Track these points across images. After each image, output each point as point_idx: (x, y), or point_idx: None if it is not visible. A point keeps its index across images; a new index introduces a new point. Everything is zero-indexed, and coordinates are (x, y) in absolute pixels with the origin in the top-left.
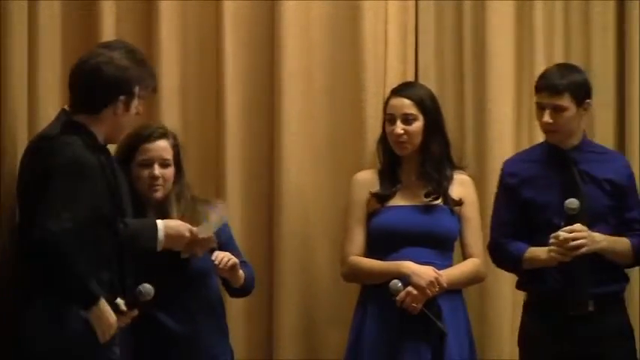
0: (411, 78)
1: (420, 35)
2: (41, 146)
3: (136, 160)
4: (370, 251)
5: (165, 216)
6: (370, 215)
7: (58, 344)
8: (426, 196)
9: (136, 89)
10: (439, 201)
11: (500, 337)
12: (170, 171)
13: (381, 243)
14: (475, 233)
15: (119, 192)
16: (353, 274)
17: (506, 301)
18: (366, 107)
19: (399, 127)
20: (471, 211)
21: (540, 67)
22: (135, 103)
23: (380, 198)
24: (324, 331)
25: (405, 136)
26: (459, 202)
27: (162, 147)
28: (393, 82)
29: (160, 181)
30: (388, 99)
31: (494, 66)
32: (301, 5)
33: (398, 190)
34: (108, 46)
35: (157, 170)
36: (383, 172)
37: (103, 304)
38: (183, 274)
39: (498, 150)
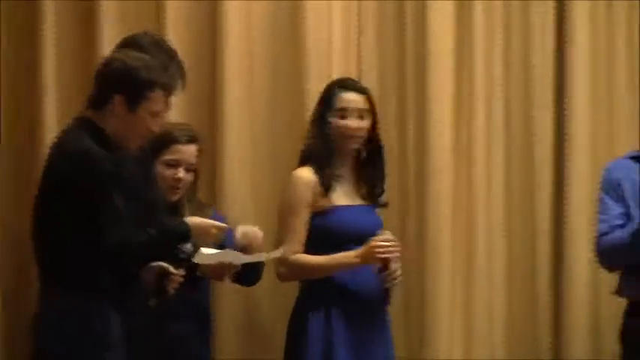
0: (354, 77)
1: (362, 35)
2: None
3: (162, 157)
4: (312, 250)
5: (176, 217)
6: (315, 214)
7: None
8: (368, 195)
9: (144, 92)
10: (370, 201)
11: (439, 338)
12: (191, 176)
13: (327, 242)
14: None
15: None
16: (293, 272)
17: (444, 302)
18: (308, 106)
19: (355, 122)
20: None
21: (480, 67)
22: (145, 105)
23: (326, 189)
24: (265, 331)
25: (358, 131)
26: (386, 205)
27: (191, 151)
28: None
29: (182, 185)
30: (337, 92)
31: (435, 66)
32: (243, 5)
33: (337, 184)
34: (140, 45)
35: (182, 173)
36: (320, 164)
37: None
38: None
39: (438, 149)
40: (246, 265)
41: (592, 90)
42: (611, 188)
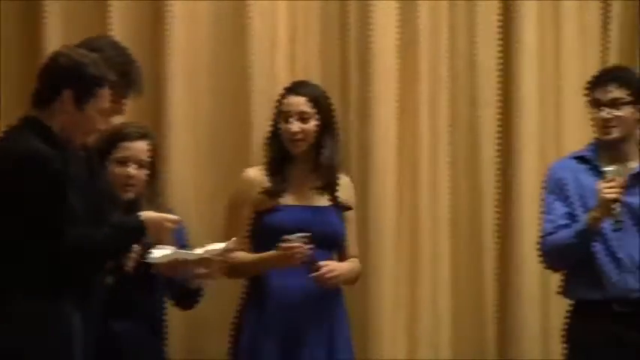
0: (297, 77)
1: (306, 35)
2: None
3: (113, 155)
4: (256, 249)
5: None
6: (260, 214)
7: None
8: (318, 197)
9: (93, 89)
10: (328, 202)
11: (382, 338)
12: (143, 172)
13: (271, 242)
14: (354, 234)
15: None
16: (232, 269)
17: (387, 302)
18: (252, 105)
19: (296, 125)
20: (352, 213)
21: (424, 67)
22: (93, 102)
23: (271, 195)
24: (208, 332)
25: (300, 134)
26: (349, 207)
27: (140, 147)
28: (281, 80)
29: (133, 181)
30: (283, 97)
31: (379, 65)
32: (188, 5)
33: (287, 188)
34: (93, 46)
35: (133, 170)
36: (271, 169)
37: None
38: (143, 277)
39: (382, 150)
40: (186, 290)
41: (539, 90)
42: (556, 188)
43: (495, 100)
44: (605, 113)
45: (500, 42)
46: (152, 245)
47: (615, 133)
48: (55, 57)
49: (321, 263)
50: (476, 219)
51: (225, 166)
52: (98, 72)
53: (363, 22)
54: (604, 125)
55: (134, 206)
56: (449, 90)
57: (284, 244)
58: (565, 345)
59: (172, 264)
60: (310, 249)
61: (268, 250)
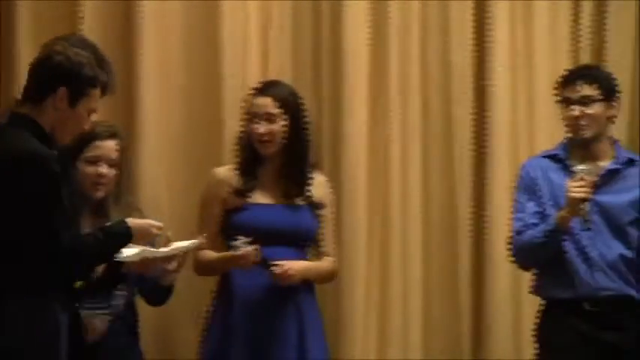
0: (270, 76)
1: (278, 33)
2: None
3: (83, 155)
4: (228, 247)
5: (102, 217)
6: (230, 212)
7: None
8: (288, 195)
9: (86, 88)
10: (300, 201)
11: (354, 337)
12: (114, 172)
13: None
14: (331, 232)
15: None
16: (196, 267)
17: (359, 302)
18: (224, 104)
19: (263, 127)
20: (327, 212)
21: (394, 67)
22: (85, 102)
23: (240, 194)
24: (180, 329)
25: (267, 136)
26: (322, 206)
27: (111, 147)
28: (253, 79)
29: (104, 180)
30: (251, 97)
31: (351, 64)
32: (160, 5)
33: (256, 187)
34: (68, 39)
35: (104, 169)
36: (242, 169)
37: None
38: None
39: (353, 149)
40: (154, 286)
41: (512, 88)
42: (527, 187)
43: (469, 98)
44: (576, 111)
45: (473, 41)
46: None
47: (587, 132)
48: (50, 55)
49: (275, 263)
50: (449, 217)
51: (197, 164)
52: (93, 72)
53: (335, 21)
54: (575, 123)
55: (103, 205)
56: (421, 88)
57: (232, 252)
58: (536, 344)
59: (143, 262)
60: (256, 249)
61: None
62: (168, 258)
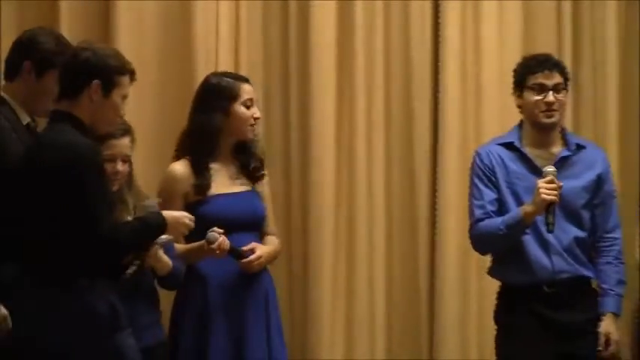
0: (242, 73)
1: (248, 31)
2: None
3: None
4: (190, 239)
5: (121, 204)
6: (192, 205)
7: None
8: (243, 182)
9: (116, 78)
10: (250, 187)
11: (321, 323)
12: (128, 166)
13: (203, 232)
14: (271, 212)
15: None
16: None
17: (327, 289)
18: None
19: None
20: (267, 191)
21: (360, 65)
22: (117, 90)
23: (200, 191)
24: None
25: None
26: (262, 175)
27: (125, 144)
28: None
29: (120, 176)
30: (239, 84)
31: (318, 60)
32: (135, 4)
33: (219, 176)
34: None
35: (120, 166)
36: (199, 164)
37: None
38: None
39: (320, 142)
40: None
41: (461, 84)
42: (484, 174)
43: (428, 94)
44: (551, 97)
45: (432, 38)
46: None
47: (556, 117)
48: (78, 53)
49: (246, 250)
50: (409, 207)
51: (169, 159)
52: (119, 62)
53: (303, 19)
54: (548, 109)
55: (118, 197)
56: (385, 85)
57: (212, 246)
58: (496, 325)
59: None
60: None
61: (198, 237)
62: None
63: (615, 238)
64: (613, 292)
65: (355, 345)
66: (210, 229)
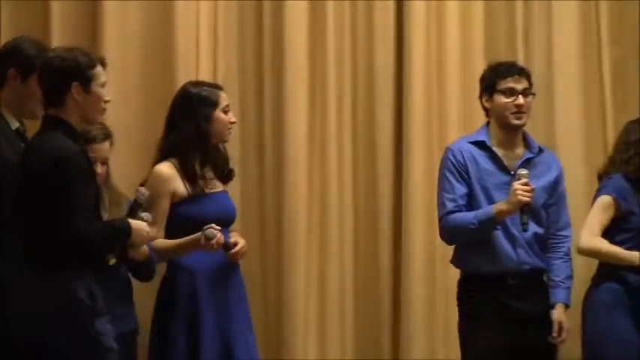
0: (219, 75)
1: (225, 34)
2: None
3: None
4: (173, 236)
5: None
6: (176, 204)
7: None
8: (214, 182)
9: (90, 72)
10: (222, 188)
11: (295, 316)
12: (106, 168)
13: (188, 229)
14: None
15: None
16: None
17: (300, 279)
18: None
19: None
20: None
21: (331, 67)
22: (95, 83)
23: (196, 191)
24: None
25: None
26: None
27: (106, 148)
28: (204, 78)
29: (100, 178)
30: (217, 92)
31: (291, 63)
32: (120, 5)
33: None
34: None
35: (100, 168)
36: (188, 168)
37: (134, 223)
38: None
39: (294, 140)
40: (139, 265)
41: (426, 89)
42: (456, 169)
43: (390, 99)
44: (521, 100)
45: (395, 44)
46: None
47: (524, 119)
48: (48, 62)
49: (232, 242)
50: (375, 207)
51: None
52: (86, 56)
53: (277, 22)
54: (518, 111)
55: (97, 195)
56: (352, 87)
57: (212, 242)
58: (459, 314)
59: None
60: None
61: (184, 236)
62: None
63: (566, 236)
64: (564, 285)
65: (327, 333)
66: (208, 226)
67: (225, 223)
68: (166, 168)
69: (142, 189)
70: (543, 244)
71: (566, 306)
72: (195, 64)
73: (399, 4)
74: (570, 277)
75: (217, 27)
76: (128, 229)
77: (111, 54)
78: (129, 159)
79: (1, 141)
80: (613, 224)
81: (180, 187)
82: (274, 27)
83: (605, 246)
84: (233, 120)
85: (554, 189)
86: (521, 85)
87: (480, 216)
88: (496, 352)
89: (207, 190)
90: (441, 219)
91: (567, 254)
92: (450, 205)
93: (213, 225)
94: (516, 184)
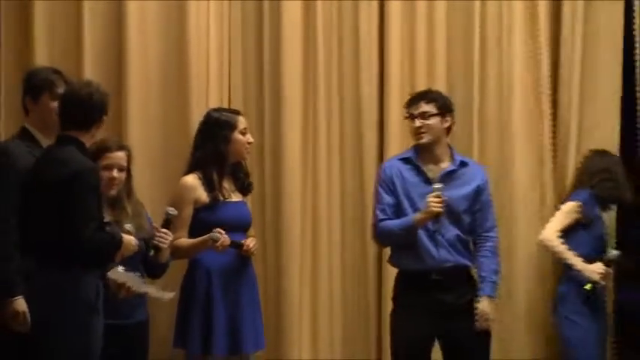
0: (225, 73)
1: (230, 41)
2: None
3: (100, 163)
4: (198, 237)
5: (118, 208)
6: (200, 209)
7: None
8: (234, 193)
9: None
10: (240, 197)
11: (291, 306)
12: (123, 175)
13: (210, 231)
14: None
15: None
16: (173, 252)
17: (295, 278)
18: (190, 100)
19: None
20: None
21: (321, 67)
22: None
23: (215, 199)
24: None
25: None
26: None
27: (120, 156)
28: (213, 82)
29: (116, 182)
30: (235, 117)
31: (287, 62)
32: (140, 5)
33: (222, 187)
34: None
35: (116, 174)
36: (210, 179)
37: (124, 237)
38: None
39: (289, 163)
40: (152, 262)
41: (400, 115)
42: (385, 184)
43: (375, 122)
44: (417, 123)
45: (378, 67)
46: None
47: (425, 138)
48: (91, 94)
49: (243, 242)
50: (360, 213)
51: (171, 170)
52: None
53: (275, 20)
54: (416, 132)
55: (117, 201)
56: (340, 115)
57: (216, 244)
58: (393, 304)
59: (120, 285)
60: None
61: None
62: (142, 294)
63: (491, 237)
64: (489, 279)
65: (318, 320)
66: (214, 230)
67: (241, 228)
68: (191, 179)
69: (171, 209)
70: (467, 245)
71: (491, 298)
72: (205, 66)
73: (381, 33)
74: (496, 272)
75: (222, 34)
76: (120, 242)
77: (135, 64)
78: (150, 178)
79: (30, 157)
80: (574, 230)
81: (202, 195)
82: (273, 26)
83: (561, 246)
84: (250, 140)
85: (477, 197)
86: (418, 110)
87: (403, 224)
88: (420, 340)
89: (225, 199)
90: (373, 225)
91: (493, 252)
92: (380, 215)
93: (218, 229)
94: (430, 197)
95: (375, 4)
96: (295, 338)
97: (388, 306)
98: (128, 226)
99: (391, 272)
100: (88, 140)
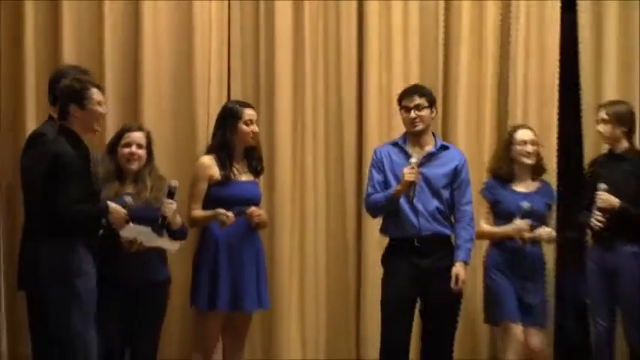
0: (225, 73)
1: (230, 46)
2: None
3: (121, 143)
4: (210, 209)
5: (140, 184)
6: (214, 186)
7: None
8: (254, 173)
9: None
10: (252, 177)
11: (281, 288)
12: (143, 152)
13: (220, 205)
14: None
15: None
16: (192, 222)
17: (284, 264)
18: (196, 99)
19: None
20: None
21: (310, 67)
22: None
23: (224, 180)
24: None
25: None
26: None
27: (138, 136)
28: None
29: (135, 157)
30: (242, 109)
31: (280, 61)
32: (153, 5)
33: (235, 167)
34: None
35: (134, 149)
36: (223, 159)
37: (112, 207)
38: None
39: (281, 159)
40: (175, 231)
41: (379, 115)
42: (376, 164)
43: (353, 125)
44: (413, 114)
45: (356, 73)
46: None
47: (419, 127)
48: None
49: (248, 210)
50: (341, 204)
51: (180, 155)
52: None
53: (269, 20)
54: (412, 122)
55: (140, 175)
56: (325, 116)
57: (225, 222)
58: (382, 269)
59: (131, 241)
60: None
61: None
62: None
63: (467, 211)
64: (464, 246)
65: (304, 294)
66: (220, 213)
67: (248, 203)
68: (207, 159)
69: (173, 181)
70: (446, 216)
71: (465, 262)
72: (207, 67)
73: (360, 43)
74: (470, 240)
75: (222, 37)
76: (105, 210)
77: (150, 59)
78: (167, 156)
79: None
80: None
81: (215, 173)
82: (268, 25)
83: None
84: (255, 130)
85: (456, 176)
86: (413, 103)
87: (386, 195)
88: (404, 300)
89: (235, 178)
90: (364, 200)
91: (469, 223)
92: (370, 190)
93: (225, 213)
94: (405, 169)
95: (354, 14)
96: (285, 316)
97: (367, 286)
98: (128, 198)
99: (369, 255)
100: (83, 128)
